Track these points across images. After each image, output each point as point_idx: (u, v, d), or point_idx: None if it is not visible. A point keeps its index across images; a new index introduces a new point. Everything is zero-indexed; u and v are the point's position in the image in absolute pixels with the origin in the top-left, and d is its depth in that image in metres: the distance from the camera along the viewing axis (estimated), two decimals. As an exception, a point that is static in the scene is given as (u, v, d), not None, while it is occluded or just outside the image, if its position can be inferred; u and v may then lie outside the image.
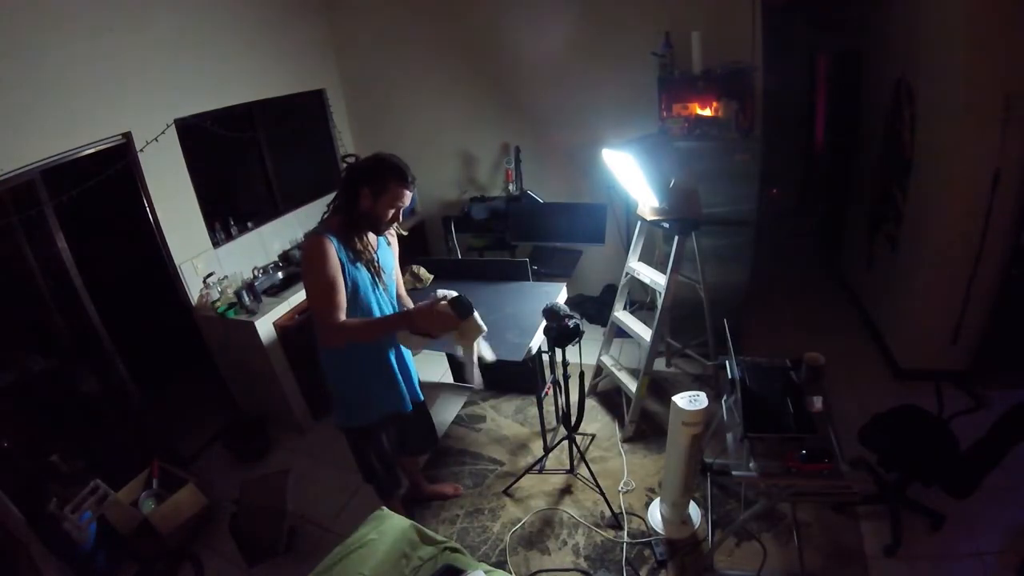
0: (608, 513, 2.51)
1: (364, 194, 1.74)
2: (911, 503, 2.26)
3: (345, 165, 1.82)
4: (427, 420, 2.44)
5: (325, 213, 1.84)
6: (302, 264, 1.80)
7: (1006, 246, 2.67)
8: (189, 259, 3.02)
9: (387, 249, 2.01)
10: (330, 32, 4.12)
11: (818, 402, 1.97)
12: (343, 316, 1.73)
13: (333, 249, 1.71)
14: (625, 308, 3.20)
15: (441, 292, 1.75)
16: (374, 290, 1.89)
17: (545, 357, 2.85)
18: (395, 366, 2.04)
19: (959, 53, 2.48)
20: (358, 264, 1.81)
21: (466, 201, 4.17)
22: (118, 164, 2.68)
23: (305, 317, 3.16)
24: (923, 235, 2.92)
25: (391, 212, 1.79)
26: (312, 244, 1.73)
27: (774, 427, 1.91)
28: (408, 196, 1.80)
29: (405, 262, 3.15)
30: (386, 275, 1.95)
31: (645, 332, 2.87)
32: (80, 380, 2.82)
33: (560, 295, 2.80)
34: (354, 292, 1.80)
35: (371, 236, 1.87)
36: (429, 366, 3.72)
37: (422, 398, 2.25)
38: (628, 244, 3.16)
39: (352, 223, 1.78)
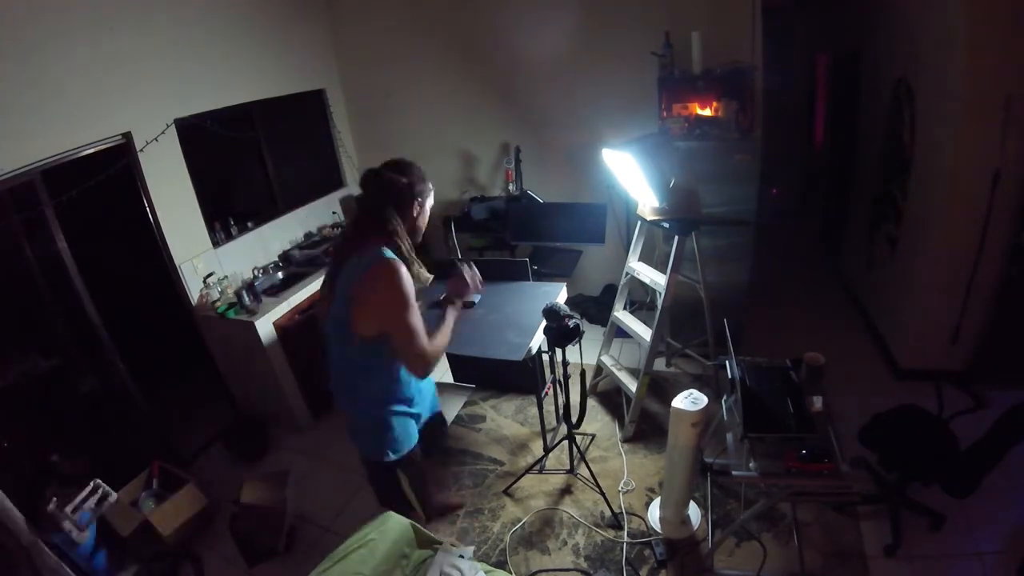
0: (608, 513, 2.51)
1: (415, 207, 1.69)
2: (911, 503, 2.26)
3: (373, 179, 1.66)
4: (443, 420, 2.34)
5: (385, 241, 1.64)
6: (379, 293, 1.58)
7: (1006, 246, 2.67)
8: (189, 259, 3.02)
9: None
10: (330, 32, 4.11)
11: (818, 402, 1.97)
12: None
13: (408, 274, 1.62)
14: (625, 308, 3.20)
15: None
16: None
17: (545, 357, 2.85)
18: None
19: (959, 53, 2.48)
20: None
21: (466, 201, 4.17)
22: (118, 164, 2.68)
23: (305, 317, 3.17)
24: (923, 235, 2.92)
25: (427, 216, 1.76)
26: (392, 270, 1.57)
27: (774, 427, 1.90)
28: None
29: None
30: None
31: (645, 332, 2.87)
32: (80, 380, 2.82)
33: (560, 295, 2.79)
34: None
35: None
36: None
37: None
38: (628, 244, 3.16)
39: (403, 242, 1.65)
